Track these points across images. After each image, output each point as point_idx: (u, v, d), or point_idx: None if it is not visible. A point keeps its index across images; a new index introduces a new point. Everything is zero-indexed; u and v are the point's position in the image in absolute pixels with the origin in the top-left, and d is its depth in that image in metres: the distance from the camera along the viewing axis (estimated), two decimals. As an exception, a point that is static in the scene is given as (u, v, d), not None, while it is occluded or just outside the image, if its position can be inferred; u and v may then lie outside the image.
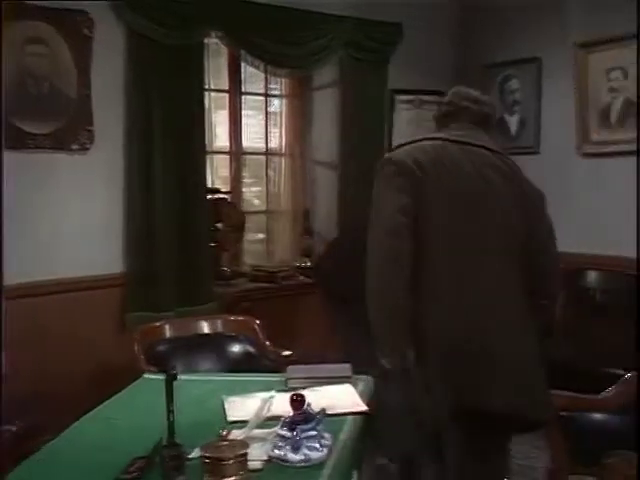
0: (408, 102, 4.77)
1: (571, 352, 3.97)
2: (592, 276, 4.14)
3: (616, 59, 4.08)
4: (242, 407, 2.09)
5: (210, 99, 3.99)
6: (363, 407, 2.13)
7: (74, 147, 3.42)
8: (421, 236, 1.95)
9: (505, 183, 2.03)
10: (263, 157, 4.44)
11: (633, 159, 4.07)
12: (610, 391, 2.37)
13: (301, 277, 4.35)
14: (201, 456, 1.59)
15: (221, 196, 4.10)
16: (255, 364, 2.91)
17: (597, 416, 2.34)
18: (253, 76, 4.26)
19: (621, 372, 2.73)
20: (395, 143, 4.70)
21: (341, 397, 2.21)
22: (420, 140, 2.09)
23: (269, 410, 2.02)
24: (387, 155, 2.13)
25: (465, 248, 1.98)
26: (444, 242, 1.97)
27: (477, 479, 2.07)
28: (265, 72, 4.22)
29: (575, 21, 4.26)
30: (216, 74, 4.09)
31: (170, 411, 1.61)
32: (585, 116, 4.24)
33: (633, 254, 3.96)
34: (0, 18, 2.87)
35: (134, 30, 3.51)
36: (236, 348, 3.05)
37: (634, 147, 4.04)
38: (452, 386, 1.90)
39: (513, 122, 4.70)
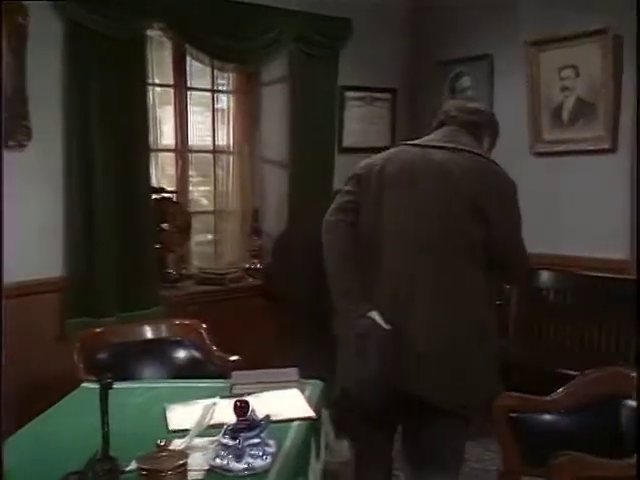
0: (359, 99, 4.80)
1: (524, 352, 4.06)
2: (545, 276, 4.21)
3: (568, 57, 4.18)
4: (184, 415, 2.09)
5: (154, 94, 3.94)
6: (310, 412, 2.15)
7: (11, 144, 3.34)
8: (364, 229, 2.33)
9: (458, 179, 2.26)
10: (211, 155, 4.42)
11: (585, 158, 4.18)
12: (560, 392, 2.42)
13: (250, 279, 4.35)
14: (138, 468, 1.57)
15: (167, 196, 4.06)
16: (201, 370, 2.89)
17: (547, 417, 2.38)
18: (199, 71, 4.23)
19: (573, 373, 2.80)
20: (346, 141, 4.75)
21: (287, 402, 2.22)
22: (395, 146, 2.50)
23: (212, 418, 2.01)
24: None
25: (396, 239, 2.28)
26: (380, 235, 2.30)
27: (412, 460, 2.34)
28: (212, 67, 4.19)
29: (527, 18, 4.35)
30: (160, 68, 4.06)
31: (105, 422, 1.59)
32: (537, 115, 4.34)
33: (587, 253, 4.07)
34: (0, 18, 2.88)
35: (72, 20, 3.43)
36: (181, 353, 3.02)
37: (586, 146, 4.15)
38: (384, 369, 2.16)
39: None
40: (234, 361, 2.90)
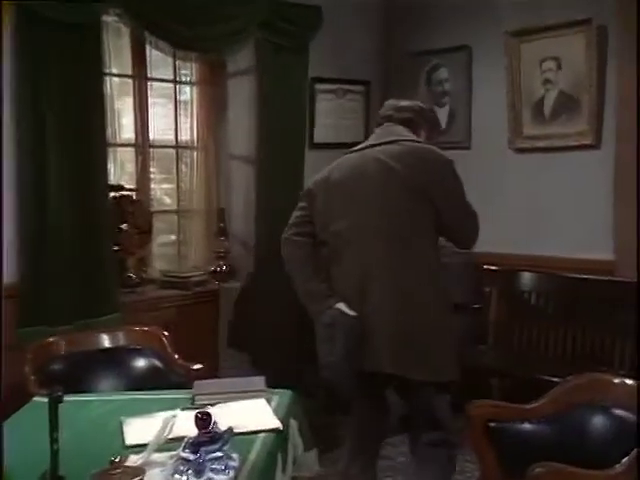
0: (330, 92, 4.80)
1: (504, 358, 4.09)
2: (526, 278, 4.25)
3: (550, 48, 4.22)
4: (142, 429, 2.07)
5: (112, 85, 3.90)
6: (276, 424, 2.15)
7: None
8: (320, 235, 2.72)
9: (397, 168, 2.60)
10: (173, 151, 4.39)
11: (567, 155, 4.22)
12: (541, 400, 2.44)
13: (216, 282, 4.34)
14: (90, 486, 1.56)
15: (126, 194, 4.02)
16: (162, 380, 2.88)
17: (527, 426, 2.40)
18: (161, 60, 4.20)
19: (555, 379, 2.83)
20: (317, 136, 4.76)
21: (252, 413, 2.22)
22: (347, 152, 2.85)
23: (171, 431, 2.00)
24: None
25: (351, 236, 2.64)
26: (337, 236, 2.67)
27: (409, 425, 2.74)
28: (173, 56, 4.16)
29: (507, 7, 4.39)
30: (118, 57, 4.02)
31: (54, 440, 1.57)
32: (518, 109, 4.38)
33: (570, 254, 4.12)
34: (0, 18, 2.87)
35: (22, 5, 3.34)
36: (141, 363, 3.00)
37: (568, 142, 4.20)
38: (351, 352, 2.52)
39: (442, 115, 4.78)
40: (197, 370, 2.89)
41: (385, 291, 2.56)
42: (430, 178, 2.60)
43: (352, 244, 2.63)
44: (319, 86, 4.73)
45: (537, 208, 4.36)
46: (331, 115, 4.83)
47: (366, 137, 4.96)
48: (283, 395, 2.42)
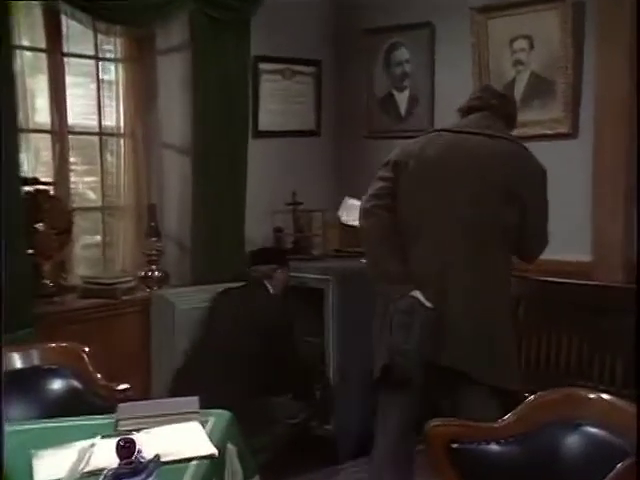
0: (276, 72, 4.81)
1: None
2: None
3: (521, 26, 4.28)
4: (54, 463, 2.04)
5: (23, 60, 3.84)
6: (211, 449, 2.13)
7: None
8: (403, 213, 2.88)
9: (492, 164, 2.85)
10: (96, 138, 4.36)
11: (541, 145, 4.23)
12: (509, 417, 2.45)
13: (147, 289, 4.32)
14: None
15: (42, 188, 3.97)
16: (82, 404, 2.83)
17: (494, 447, 2.41)
18: (80, 33, 4.14)
19: (525, 395, 2.85)
20: (262, 123, 4.75)
21: (184, 438, 2.20)
22: (429, 132, 3.08)
23: (88, 463, 1.97)
24: None
25: (434, 223, 2.83)
26: (419, 218, 2.86)
27: None
28: (94, 29, 4.12)
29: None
30: (30, 28, 3.97)
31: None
32: (486, 94, 4.41)
33: (543, 254, 4.15)
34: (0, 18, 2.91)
35: None
36: (57, 385, 2.95)
37: (542, 131, 4.24)
38: (426, 343, 2.74)
39: (402, 100, 4.83)
40: (123, 391, 2.86)
41: (461, 289, 2.80)
42: (528, 186, 2.88)
43: (434, 228, 2.84)
44: (264, 66, 4.73)
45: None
46: (277, 99, 4.85)
47: (318, 124, 5.14)
48: (220, 417, 2.40)
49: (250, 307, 3.93)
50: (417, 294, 2.77)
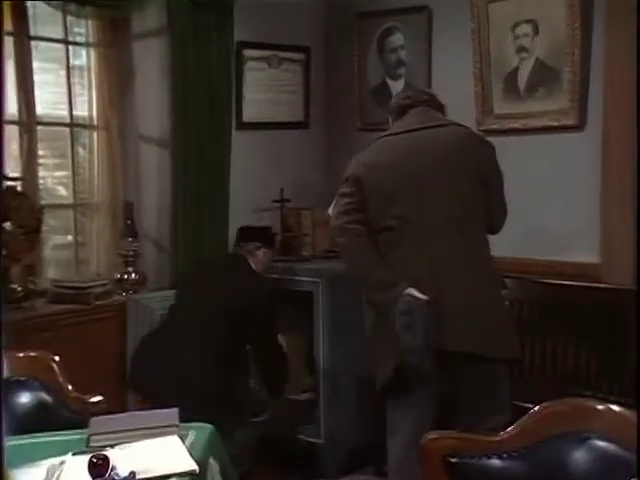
0: (261, 59, 4.82)
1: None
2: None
3: (524, 10, 4.29)
4: (21, 482, 2.02)
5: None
6: (192, 465, 2.13)
7: None
8: (376, 222, 3.08)
9: (457, 151, 3.13)
10: (67, 129, 4.34)
11: (546, 137, 4.28)
12: (511, 430, 2.45)
13: (123, 294, 4.31)
14: None
15: (8, 184, 3.95)
16: (52, 418, 2.82)
17: (496, 461, 2.41)
18: (47, 15, 4.12)
19: (529, 405, 2.85)
20: (246, 114, 4.75)
21: (162, 454, 2.20)
22: (383, 136, 3.25)
23: (57, 482, 1.96)
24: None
25: (416, 219, 3.05)
26: (400, 220, 3.05)
27: (468, 410, 3.12)
28: (63, 10, 4.10)
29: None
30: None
31: None
32: (487, 82, 4.43)
33: (548, 255, 4.17)
34: (0, 18, 2.95)
35: None
36: (25, 398, 2.93)
37: (547, 122, 4.25)
38: (430, 335, 2.94)
39: (397, 89, 4.77)
40: (96, 403, 2.85)
41: (455, 273, 3.04)
42: (486, 162, 3.16)
43: (419, 226, 3.05)
44: (248, 52, 4.73)
45: (509, 201, 4.37)
46: (263, 88, 4.84)
47: (307, 115, 5.13)
48: (201, 430, 2.40)
49: (229, 282, 3.91)
50: (412, 291, 2.97)
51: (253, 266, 4.04)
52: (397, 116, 3.28)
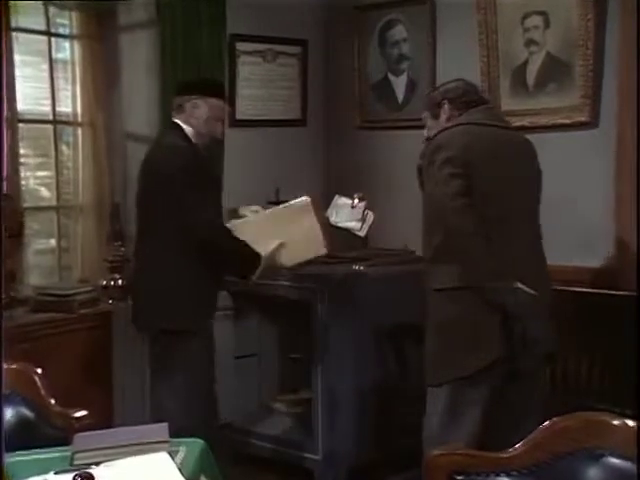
0: (256, 53, 4.83)
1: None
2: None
3: (534, 1, 4.28)
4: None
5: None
6: (181, 482, 2.12)
7: None
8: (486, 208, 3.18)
9: (528, 154, 3.45)
10: (51, 127, 4.36)
11: (557, 135, 4.27)
12: (521, 446, 2.44)
13: (110, 301, 4.32)
14: None
15: (-8, 185, 3.96)
16: (33, 434, 2.80)
17: (503, 479, 2.40)
18: (29, 6, 4.15)
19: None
20: (240, 111, 4.76)
21: (151, 471, 2.19)
22: (465, 124, 3.30)
23: (38, 502, 1.95)
24: (437, 141, 3.26)
25: (506, 211, 3.24)
26: (495, 209, 3.21)
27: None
28: (45, 1, 4.14)
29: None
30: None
31: None
32: (494, 78, 4.43)
33: (560, 260, 4.14)
34: (0, 18, 3.06)
35: None
36: (5, 413, 2.91)
37: (558, 119, 4.25)
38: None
39: (400, 85, 4.84)
40: (80, 418, 2.82)
41: (534, 270, 3.26)
42: (539, 170, 3.45)
43: (506, 222, 3.22)
44: (242, 46, 4.75)
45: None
46: (258, 84, 4.85)
47: (304, 112, 5.12)
48: (192, 446, 2.39)
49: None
50: (519, 285, 3.14)
51: (189, 132, 3.63)
52: (463, 106, 3.36)
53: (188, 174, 3.51)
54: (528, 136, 4.28)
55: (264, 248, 3.56)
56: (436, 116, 3.40)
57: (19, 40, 4.14)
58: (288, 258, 3.66)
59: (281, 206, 3.60)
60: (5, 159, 3.71)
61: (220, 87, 3.89)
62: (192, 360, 3.58)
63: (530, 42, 4.34)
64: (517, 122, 4.33)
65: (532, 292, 3.16)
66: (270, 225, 3.63)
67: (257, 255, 3.57)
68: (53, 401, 2.95)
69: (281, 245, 3.61)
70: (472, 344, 3.23)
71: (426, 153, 3.28)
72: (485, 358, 3.21)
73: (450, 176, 3.16)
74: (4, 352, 3.43)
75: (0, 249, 2.75)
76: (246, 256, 3.59)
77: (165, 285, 3.57)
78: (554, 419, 2.45)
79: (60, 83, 4.33)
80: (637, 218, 3.83)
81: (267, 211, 3.55)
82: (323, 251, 3.71)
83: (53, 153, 4.37)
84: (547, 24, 4.27)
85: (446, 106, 3.37)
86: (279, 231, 3.60)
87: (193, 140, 3.62)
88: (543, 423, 2.50)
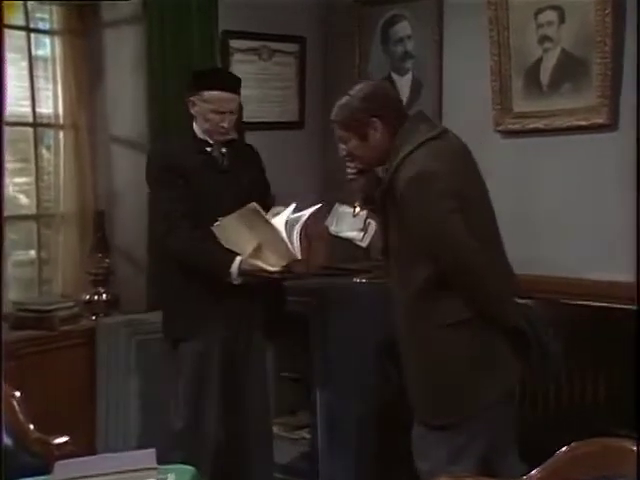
0: (251, 51, 4.84)
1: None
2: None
3: (549, -6, 4.28)
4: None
5: None
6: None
7: None
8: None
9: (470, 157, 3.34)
10: (30, 129, 4.36)
11: (573, 139, 4.26)
12: (535, 473, 2.44)
13: (93, 318, 4.32)
14: None
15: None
16: (10, 463, 2.74)
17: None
18: (6, -1, 4.16)
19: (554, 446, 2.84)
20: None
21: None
22: (432, 139, 3.17)
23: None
24: (424, 168, 3.10)
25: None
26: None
27: None
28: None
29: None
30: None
31: None
32: (506, 77, 4.41)
33: (576, 273, 4.14)
34: (1, 18, 3.00)
35: None
36: (-20, 441, 2.93)
37: (574, 122, 4.23)
38: None
39: (404, 85, 4.83)
40: (61, 445, 2.85)
41: (519, 290, 3.33)
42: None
43: (491, 235, 3.29)
44: (235, 43, 4.75)
45: (532, 212, 4.40)
46: (252, 84, 4.82)
47: (302, 114, 5.12)
48: (182, 473, 2.44)
49: None
50: (523, 301, 3.26)
51: (196, 129, 3.77)
52: (401, 119, 3.21)
53: (154, 172, 3.75)
54: (543, 139, 4.38)
55: (243, 250, 3.59)
56: (364, 137, 3.16)
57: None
58: (268, 262, 3.65)
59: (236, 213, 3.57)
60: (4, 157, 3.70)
61: (212, 77, 3.86)
62: (185, 370, 3.71)
63: (544, 39, 4.33)
64: (530, 124, 4.37)
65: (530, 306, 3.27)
66: (244, 228, 3.61)
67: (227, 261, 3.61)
68: (32, 426, 2.96)
69: (259, 247, 3.61)
70: (489, 374, 3.16)
71: (401, 178, 3.07)
72: (504, 387, 3.22)
73: (450, 212, 3.08)
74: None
75: (0, 250, 2.73)
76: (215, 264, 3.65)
77: (162, 291, 3.88)
78: (572, 445, 2.45)
79: (40, 82, 4.34)
80: (637, 218, 3.84)
81: (233, 215, 3.52)
82: (296, 257, 3.67)
83: (33, 157, 4.38)
84: (562, 19, 4.26)
85: (377, 124, 3.15)
86: (252, 234, 3.60)
87: (200, 137, 3.75)
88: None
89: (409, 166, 3.05)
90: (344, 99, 3.19)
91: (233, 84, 3.76)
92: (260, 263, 3.59)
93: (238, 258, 3.58)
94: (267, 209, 3.67)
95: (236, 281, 3.59)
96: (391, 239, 3.22)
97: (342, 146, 3.25)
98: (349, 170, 3.32)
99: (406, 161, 3.07)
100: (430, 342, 3.15)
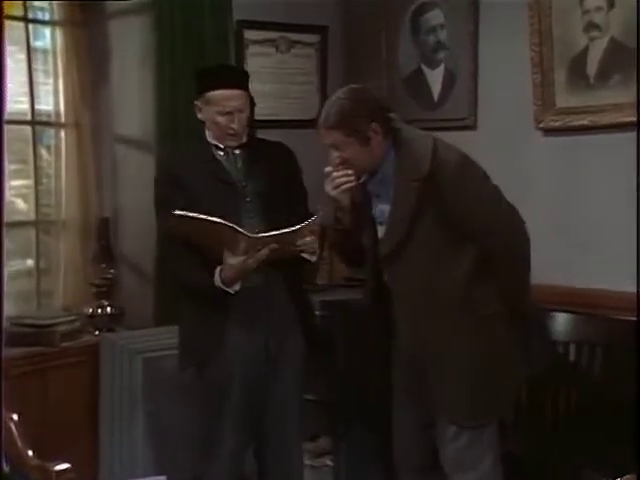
0: (267, 42, 4.85)
1: (526, 443, 4.07)
2: (562, 321, 4.25)
3: (596, -23, 4.26)
4: None
5: None
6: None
7: None
8: None
9: None
10: (29, 128, 4.39)
11: (621, 137, 4.23)
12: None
13: (96, 333, 4.33)
14: None
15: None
16: (8, 491, 2.83)
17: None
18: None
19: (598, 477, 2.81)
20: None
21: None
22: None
23: None
24: (460, 152, 3.30)
25: None
26: None
27: None
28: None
29: None
30: None
31: None
32: (548, 69, 4.39)
33: (627, 286, 4.10)
34: (1, 18, 3.06)
35: None
36: (-26, 469, 2.94)
37: (623, 118, 4.20)
38: None
39: (435, 78, 4.84)
40: (62, 472, 2.82)
41: None
42: None
43: None
44: (250, 34, 4.77)
45: (576, 218, 4.37)
46: (270, 78, 4.88)
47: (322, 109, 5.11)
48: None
49: None
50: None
51: (208, 137, 3.65)
52: (391, 122, 3.38)
53: (157, 195, 3.61)
54: (588, 137, 4.35)
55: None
56: (365, 142, 3.25)
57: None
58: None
59: None
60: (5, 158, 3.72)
61: (212, 75, 3.72)
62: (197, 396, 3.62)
63: (591, 26, 4.29)
64: (575, 122, 4.33)
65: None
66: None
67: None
68: (31, 452, 2.95)
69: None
70: (512, 372, 3.41)
71: (444, 163, 3.21)
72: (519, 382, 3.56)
73: (494, 189, 3.32)
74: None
75: (1, 252, 2.74)
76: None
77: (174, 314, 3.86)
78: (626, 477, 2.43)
79: (39, 76, 4.37)
80: (637, 220, 3.82)
81: None
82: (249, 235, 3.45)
83: (31, 158, 4.40)
84: (611, 4, 4.22)
85: (377, 127, 3.27)
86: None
87: (211, 141, 3.62)
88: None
89: (444, 152, 3.23)
90: (338, 104, 3.30)
91: (237, 79, 3.68)
92: (234, 260, 3.43)
93: (218, 268, 3.46)
94: (301, 220, 3.52)
95: (232, 289, 3.51)
96: (418, 232, 3.25)
97: (335, 153, 3.31)
98: (343, 179, 3.31)
99: (439, 148, 3.23)
100: (472, 334, 3.28)
